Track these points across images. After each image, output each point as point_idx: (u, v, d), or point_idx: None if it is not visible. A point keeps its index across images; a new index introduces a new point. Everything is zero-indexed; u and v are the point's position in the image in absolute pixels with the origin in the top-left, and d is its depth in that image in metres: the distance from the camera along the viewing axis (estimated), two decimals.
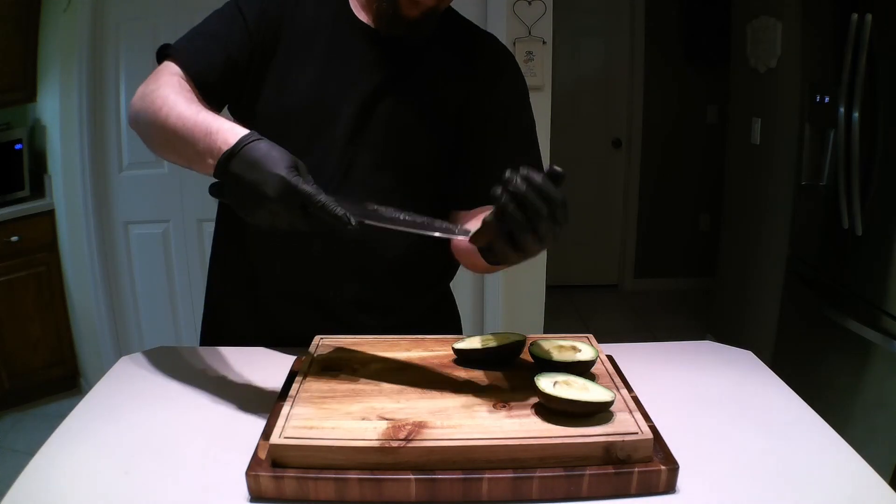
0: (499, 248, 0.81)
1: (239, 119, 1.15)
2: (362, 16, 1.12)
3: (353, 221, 0.79)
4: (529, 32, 2.56)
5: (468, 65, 1.15)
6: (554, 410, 0.81)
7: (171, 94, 0.97)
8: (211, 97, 1.06)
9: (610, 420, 0.80)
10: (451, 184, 1.17)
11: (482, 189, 1.12)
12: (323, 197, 0.79)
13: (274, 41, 1.10)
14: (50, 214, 2.82)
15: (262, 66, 1.10)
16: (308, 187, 0.79)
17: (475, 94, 1.14)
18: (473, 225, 0.99)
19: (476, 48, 1.17)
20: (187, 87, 1.01)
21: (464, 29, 1.19)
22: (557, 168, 0.76)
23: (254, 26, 1.08)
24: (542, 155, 1.18)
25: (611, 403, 0.81)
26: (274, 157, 0.81)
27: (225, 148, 0.84)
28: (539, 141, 1.19)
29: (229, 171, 0.83)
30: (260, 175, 0.80)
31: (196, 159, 0.89)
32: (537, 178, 0.75)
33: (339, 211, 0.79)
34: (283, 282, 1.16)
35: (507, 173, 0.76)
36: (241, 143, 0.83)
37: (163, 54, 1.07)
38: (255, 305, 1.20)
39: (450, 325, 1.33)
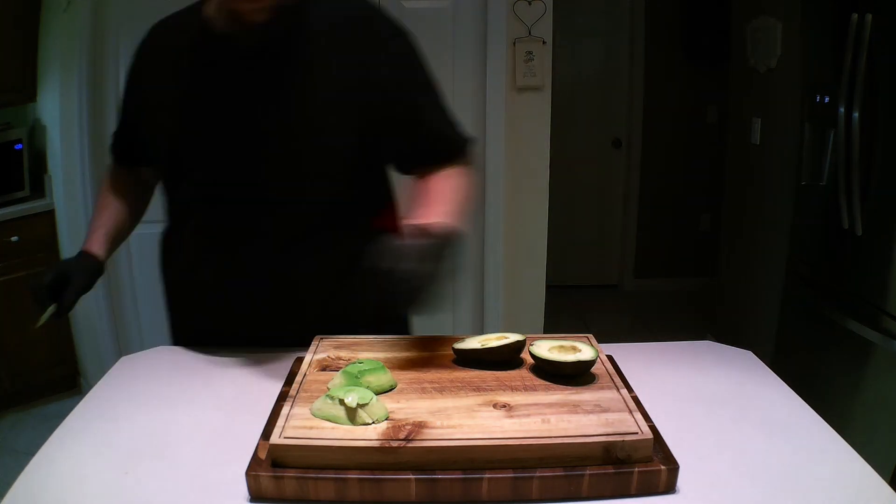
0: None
1: (167, 172, 1.29)
2: (221, 25, 1.09)
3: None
4: (529, 32, 2.55)
5: (345, 43, 1.13)
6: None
7: (100, 195, 1.37)
8: (138, 170, 1.37)
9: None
10: (387, 154, 1.23)
11: (412, 153, 1.21)
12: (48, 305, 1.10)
13: (152, 97, 1.17)
14: (50, 214, 2.82)
15: (153, 126, 1.18)
16: (37, 290, 1.10)
17: (362, 70, 1.12)
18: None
19: (350, 24, 1.15)
20: (112, 180, 1.38)
21: (337, 8, 1.16)
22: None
23: (135, 96, 1.22)
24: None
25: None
26: (62, 264, 1.18)
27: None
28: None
29: None
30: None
31: None
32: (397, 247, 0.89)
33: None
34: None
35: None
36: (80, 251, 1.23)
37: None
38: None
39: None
